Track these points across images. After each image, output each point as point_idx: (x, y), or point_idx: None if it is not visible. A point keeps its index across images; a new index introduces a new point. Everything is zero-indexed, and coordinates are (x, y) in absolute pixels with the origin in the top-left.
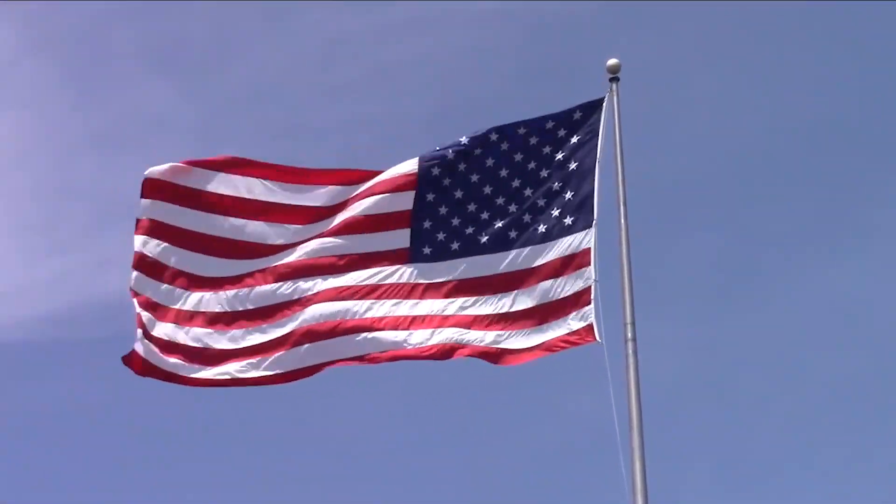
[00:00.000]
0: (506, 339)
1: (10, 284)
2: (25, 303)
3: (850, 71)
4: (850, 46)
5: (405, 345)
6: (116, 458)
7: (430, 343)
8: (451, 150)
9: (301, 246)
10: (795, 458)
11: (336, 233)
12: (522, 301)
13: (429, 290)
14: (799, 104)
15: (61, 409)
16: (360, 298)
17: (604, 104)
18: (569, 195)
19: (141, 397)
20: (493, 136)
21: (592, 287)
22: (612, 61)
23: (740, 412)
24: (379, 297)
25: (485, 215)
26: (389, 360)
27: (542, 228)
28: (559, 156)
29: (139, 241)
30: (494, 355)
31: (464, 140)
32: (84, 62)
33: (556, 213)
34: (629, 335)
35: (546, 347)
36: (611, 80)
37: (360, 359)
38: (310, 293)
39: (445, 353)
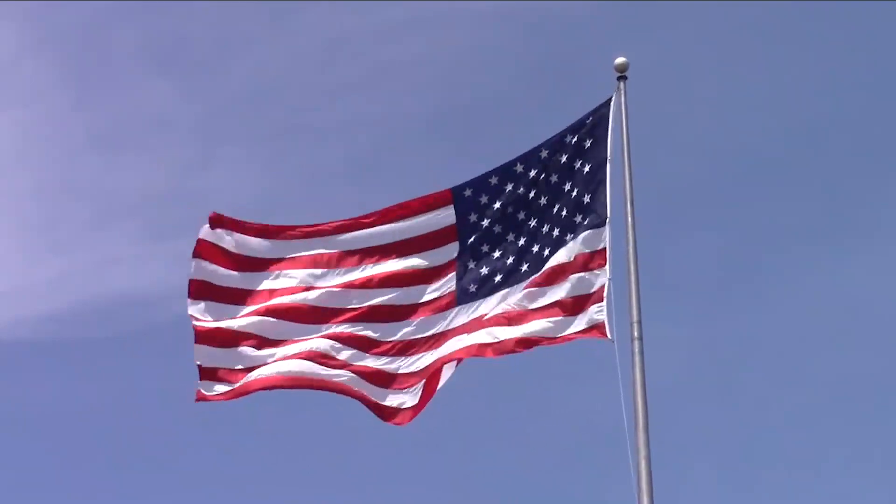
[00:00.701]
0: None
1: (11, 284)
2: (26, 302)
3: (854, 70)
4: (855, 46)
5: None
6: (117, 458)
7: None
8: (485, 196)
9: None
10: (800, 456)
11: (378, 284)
12: (549, 297)
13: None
14: (803, 103)
15: (62, 408)
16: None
17: (611, 102)
18: (586, 199)
19: (141, 396)
20: (520, 168)
21: (606, 285)
22: (619, 59)
23: (745, 411)
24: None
25: (522, 242)
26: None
27: (568, 238)
28: (576, 164)
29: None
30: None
31: (494, 180)
32: (85, 62)
33: (577, 219)
34: (636, 334)
35: (562, 338)
36: (618, 78)
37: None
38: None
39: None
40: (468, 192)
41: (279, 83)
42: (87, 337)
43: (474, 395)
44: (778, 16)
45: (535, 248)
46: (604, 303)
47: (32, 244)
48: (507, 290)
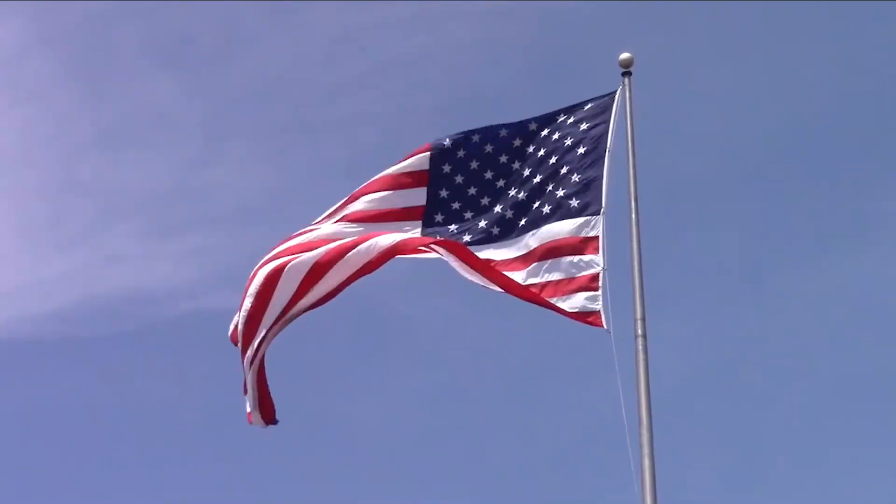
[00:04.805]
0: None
1: (16, 281)
2: (30, 300)
3: (862, 66)
4: (862, 42)
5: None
6: (120, 457)
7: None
8: (462, 150)
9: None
10: (804, 454)
11: (350, 221)
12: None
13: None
14: (806, 101)
15: (66, 406)
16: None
17: (616, 97)
18: (575, 178)
19: (145, 394)
20: (503, 132)
21: (601, 275)
22: (624, 55)
23: (748, 409)
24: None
25: (485, 201)
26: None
27: (546, 210)
28: (568, 141)
29: None
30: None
31: (475, 138)
32: (90, 58)
33: (560, 194)
34: (639, 331)
35: (551, 305)
36: (623, 74)
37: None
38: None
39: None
40: (447, 143)
41: (283, 80)
42: (91, 335)
43: (475, 391)
44: (784, 13)
45: (510, 215)
46: (599, 292)
47: (37, 242)
48: (473, 248)
